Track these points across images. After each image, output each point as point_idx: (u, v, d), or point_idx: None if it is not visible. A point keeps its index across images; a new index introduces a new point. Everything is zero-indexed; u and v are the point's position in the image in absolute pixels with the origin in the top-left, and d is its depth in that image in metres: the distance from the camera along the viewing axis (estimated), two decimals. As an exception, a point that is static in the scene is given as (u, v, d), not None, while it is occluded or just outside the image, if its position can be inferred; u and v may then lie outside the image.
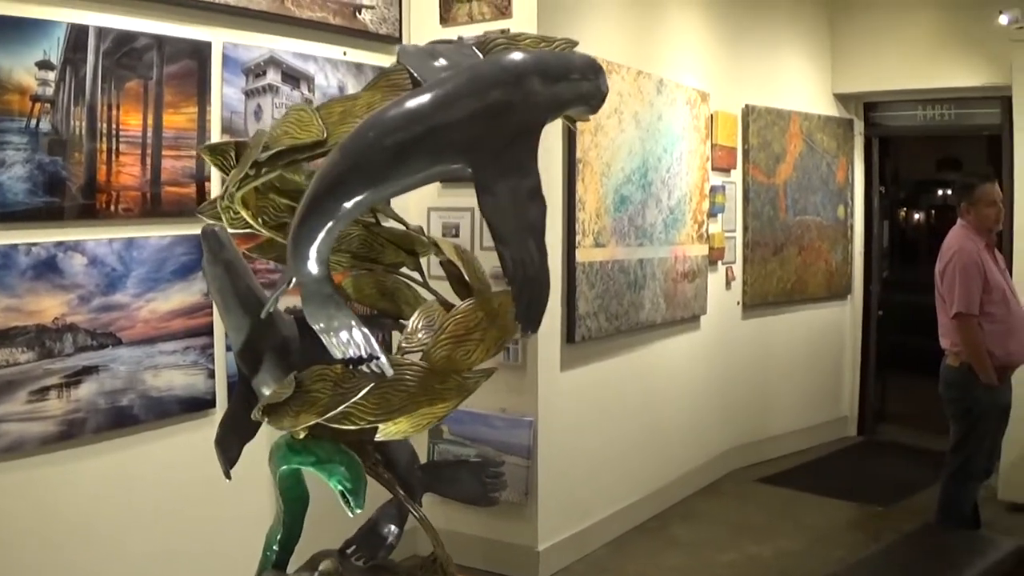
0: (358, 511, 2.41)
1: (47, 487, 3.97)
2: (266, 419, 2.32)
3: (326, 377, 2.22)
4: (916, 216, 15.56)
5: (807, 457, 8.11)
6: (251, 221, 2.45)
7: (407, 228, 2.73)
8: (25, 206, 3.83)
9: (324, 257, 2.11)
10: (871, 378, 8.94)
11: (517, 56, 2.18)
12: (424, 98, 2.09)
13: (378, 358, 2.11)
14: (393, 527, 2.84)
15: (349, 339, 2.09)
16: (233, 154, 2.36)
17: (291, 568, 2.71)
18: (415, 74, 2.21)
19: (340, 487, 2.39)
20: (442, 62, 2.20)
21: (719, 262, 7.35)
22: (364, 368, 2.13)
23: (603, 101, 2.34)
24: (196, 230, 4.31)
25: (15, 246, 3.79)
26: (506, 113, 2.12)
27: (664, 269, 6.47)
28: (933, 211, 14.98)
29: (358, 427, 2.22)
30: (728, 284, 7.52)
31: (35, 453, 3.92)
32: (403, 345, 2.37)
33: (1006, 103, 7.38)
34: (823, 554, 5.85)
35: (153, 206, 4.28)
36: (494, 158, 2.11)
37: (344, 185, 2.07)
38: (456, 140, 2.11)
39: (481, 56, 2.24)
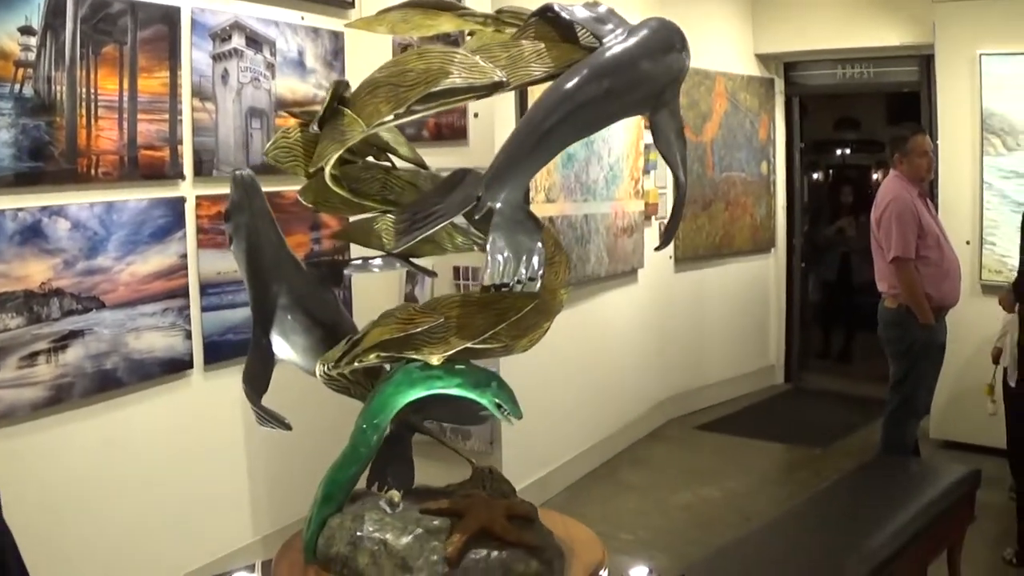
0: (518, 419, 2.51)
1: (39, 452, 4.03)
2: (375, 354, 2.42)
3: (467, 303, 2.37)
4: (815, 176, 15.78)
5: (740, 405, 8.43)
6: (328, 167, 2.49)
7: (427, 169, 2.86)
8: (11, 171, 3.85)
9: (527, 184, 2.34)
10: (796, 328, 9.27)
11: (670, 24, 2.43)
12: (629, 52, 2.30)
13: (536, 279, 2.24)
14: (404, 456, 2.94)
15: (520, 262, 2.21)
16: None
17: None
18: (589, 28, 2.36)
19: (496, 401, 2.48)
20: (607, 23, 2.40)
21: (653, 217, 7.53)
22: (507, 289, 2.26)
23: None
24: (171, 193, 4.46)
25: (2, 212, 3.82)
26: (677, 71, 2.40)
27: (606, 224, 6.65)
28: (831, 170, 15.18)
29: (500, 346, 2.36)
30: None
31: (26, 419, 3.97)
32: None
33: (924, 61, 7.72)
34: (772, 492, 6.14)
35: (130, 169, 4.32)
36: (664, 106, 2.41)
37: (567, 123, 2.25)
38: (650, 90, 2.36)
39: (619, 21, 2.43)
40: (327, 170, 2.48)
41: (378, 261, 2.95)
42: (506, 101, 5.50)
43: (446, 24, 2.59)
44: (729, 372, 8.62)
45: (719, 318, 8.51)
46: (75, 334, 4.10)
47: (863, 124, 13.06)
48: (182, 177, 4.56)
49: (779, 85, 9.04)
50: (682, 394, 8.06)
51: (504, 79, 2.28)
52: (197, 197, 4.61)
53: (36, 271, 3.95)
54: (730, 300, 8.64)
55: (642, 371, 7.44)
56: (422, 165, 2.85)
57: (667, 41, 2.38)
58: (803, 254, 9.39)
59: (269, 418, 2.69)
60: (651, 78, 2.35)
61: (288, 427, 2.71)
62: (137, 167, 4.35)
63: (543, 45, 2.36)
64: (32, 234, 3.93)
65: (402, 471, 2.88)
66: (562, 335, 6.11)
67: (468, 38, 2.65)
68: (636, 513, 5.86)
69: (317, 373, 2.61)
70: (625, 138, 6.89)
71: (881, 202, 5.70)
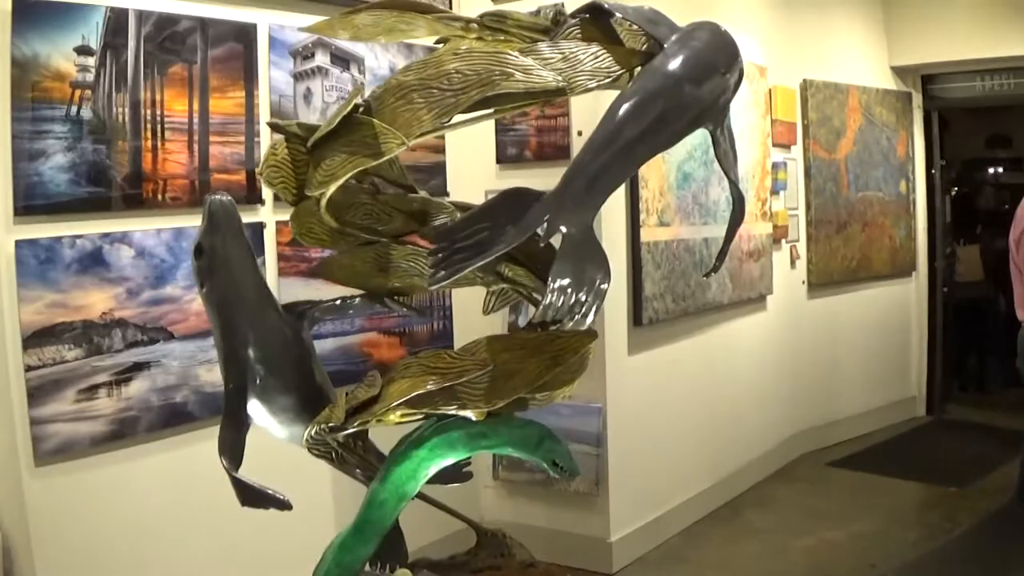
0: (574, 477, 2.27)
1: (99, 489, 3.85)
2: (400, 412, 2.13)
3: (515, 345, 2.11)
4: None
5: (877, 439, 7.90)
6: (332, 189, 2.22)
7: (417, 192, 2.55)
8: (68, 197, 3.69)
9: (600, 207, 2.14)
10: (938, 356, 8.69)
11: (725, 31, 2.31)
12: (702, 66, 2.16)
13: (588, 316, 2.08)
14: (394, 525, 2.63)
15: (582, 296, 2.01)
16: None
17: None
18: (648, 30, 2.20)
19: (549, 459, 2.20)
20: (660, 24, 2.24)
21: (783, 240, 7.14)
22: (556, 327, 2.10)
23: None
24: (249, 218, 4.23)
25: (59, 239, 3.66)
26: (740, 78, 2.31)
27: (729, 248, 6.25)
28: (986, 189, 14.48)
29: (545, 394, 2.13)
30: (793, 263, 7.30)
31: (85, 455, 3.79)
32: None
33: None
34: (900, 536, 5.67)
35: (202, 194, 4.12)
36: (721, 120, 2.31)
37: (647, 137, 2.11)
38: (719, 104, 2.26)
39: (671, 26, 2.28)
40: (328, 192, 2.19)
41: (357, 301, 2.65)
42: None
43: (422, 29, 2.29)
44: (866, 404, 8.08)
45: (856, 347, 7.99)
46: (140, 366, 3.91)
47: (1015, 141, 12.42)
48: (261, 202, 4.36)
49: (916, 99, 8.51)
50: (814, 429, 7.57)
51: (563, 84, 2.05)
52: (277, 223, 4.39)
53: (97, 300, 3.77)
54: (868, 327, 8.12)
55: (770, 405, 6.99)
56: (411, 188, 2.54)
57: (732, 48, 2.23)
58: (945, 278, 8.80)
59: (258, 498, 2.34)
60: (722, 87, 2.20)
61: (287, 506, 2.35)
62: (210, 192, 4.15)
63: (597, 47, 2.13)
64: (92, 262, 3.75)
65: (395, 542, 2.55)
66: (681, 367, 5.86)
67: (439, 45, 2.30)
68: (755, 557, 5.46)
69: (305, 436, 2.29)
70: (750, 156, 6.48)
71: (1020, 221, 5.21)
